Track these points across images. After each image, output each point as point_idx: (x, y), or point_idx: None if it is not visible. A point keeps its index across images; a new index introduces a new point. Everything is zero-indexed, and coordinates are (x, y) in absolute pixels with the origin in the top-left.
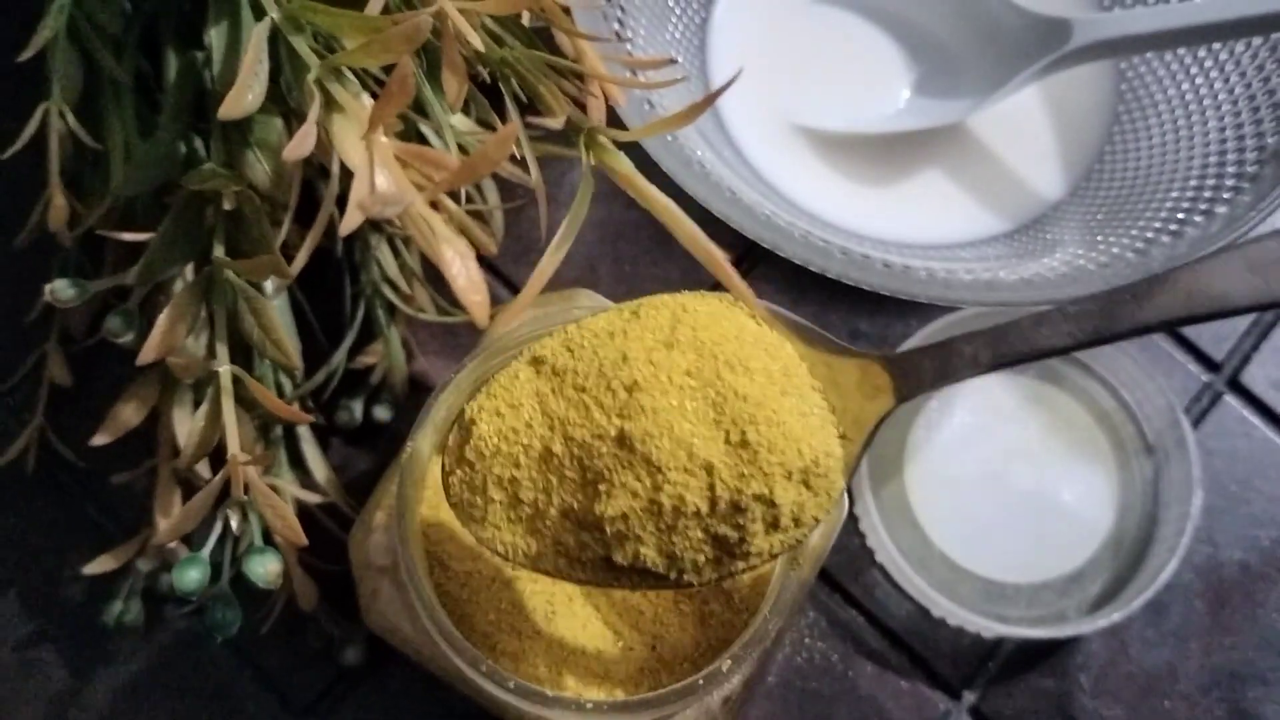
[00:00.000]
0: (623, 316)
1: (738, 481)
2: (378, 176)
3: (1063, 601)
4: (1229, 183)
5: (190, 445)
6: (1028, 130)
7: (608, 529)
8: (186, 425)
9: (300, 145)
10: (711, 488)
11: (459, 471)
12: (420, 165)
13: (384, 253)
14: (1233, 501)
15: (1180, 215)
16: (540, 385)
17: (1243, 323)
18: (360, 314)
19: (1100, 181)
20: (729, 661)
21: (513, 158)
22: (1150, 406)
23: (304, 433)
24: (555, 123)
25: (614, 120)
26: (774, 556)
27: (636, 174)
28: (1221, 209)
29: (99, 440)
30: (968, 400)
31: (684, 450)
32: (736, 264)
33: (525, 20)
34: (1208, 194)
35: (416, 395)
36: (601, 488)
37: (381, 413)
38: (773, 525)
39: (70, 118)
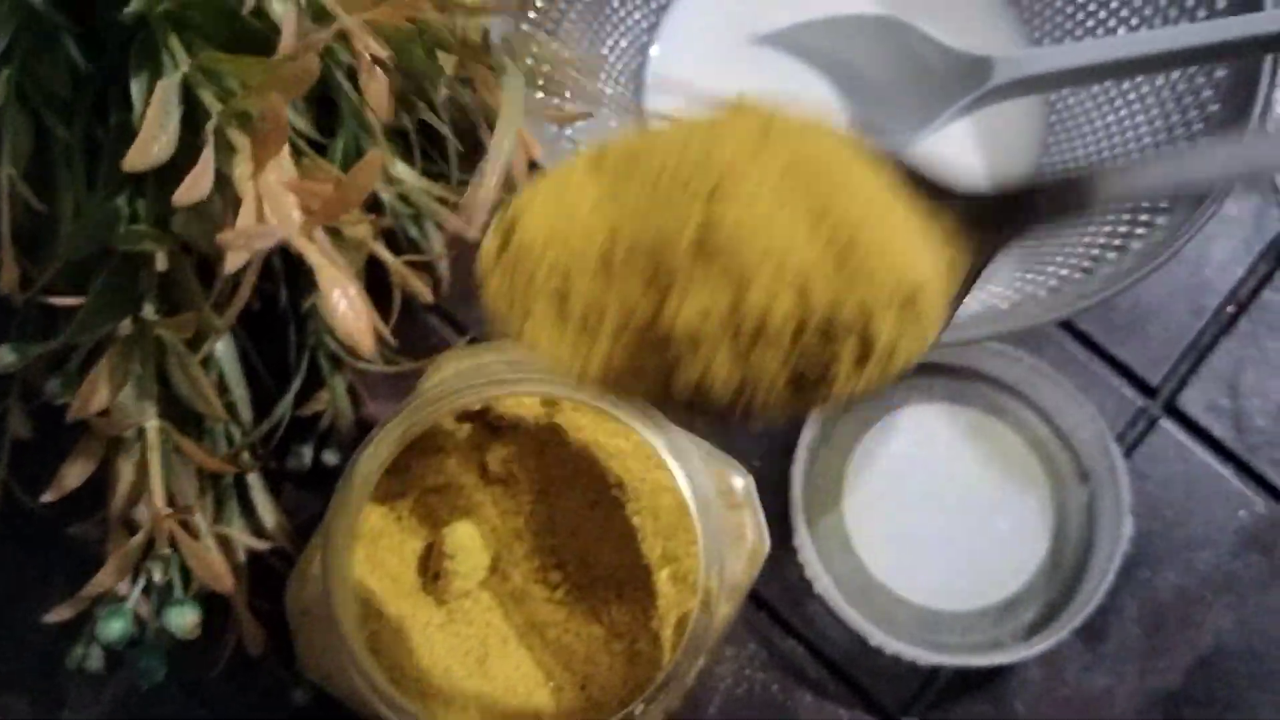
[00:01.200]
0: (700, 122)
1: (833, 298)
2: (265, 211)
3: (999, 629)
4: (1143, 217)
5: (119, 500)
6: (959, 165)
7: (672, 348)
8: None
9: (191, 189)
10: (802, 304)
11: (499, 268)
12: (308, 198)
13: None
14: (1169, 525)
15: (1095, 251)
16: (600, 185)
17: (1179, 346)
18: (305, 363)
19: None
20: (641, 705)
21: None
22: (1083, 434)
23: (253, 479)
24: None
25: None
26: (853, 396)
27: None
28: (1136, 244)
29: (47, 498)
30: (905, 430)
31: (774, 259)
32: None
33: (450, 70)
34: (1123, 228)
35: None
36: (671, 300)
37: (330, 457)
38: (862, 357)
39: (19, 182)
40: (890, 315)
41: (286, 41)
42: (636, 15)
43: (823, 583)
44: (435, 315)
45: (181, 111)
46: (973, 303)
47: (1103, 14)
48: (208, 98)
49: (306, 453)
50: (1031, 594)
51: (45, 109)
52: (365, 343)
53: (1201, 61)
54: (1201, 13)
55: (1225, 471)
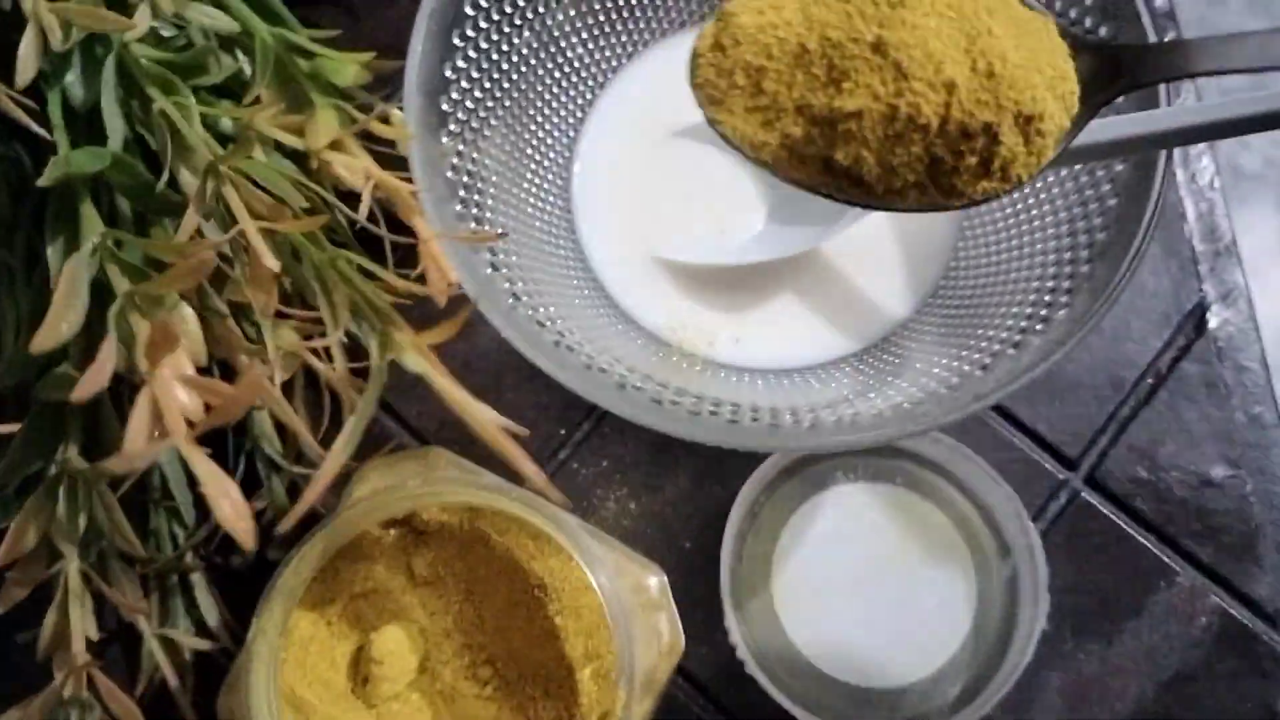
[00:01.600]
0: None
1: (972, 106)
2: (163, 409)
3: (925, 704)
4: (1065, 284)
5: (45, 639)
6: (876, 251)
7: (839, 126)
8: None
9: (91, 383)
10: (947, 105)
11: (709, 55)
12: (204, 393)
13: (262, 414)
14: (1091, 597)
15: (1023, 324)
16: None
17: (1099, 419)
18: (243, 465)
19: (946, 297)
20: None
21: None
22: (1002, 512)
23: (197, 579)
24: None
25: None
26: (971, 203)
27: (431, 370)
28: (1061, 313)
29: None
30: (831, 510)
31: (933, 65)
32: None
33: (367, 198)
34: (1047, 298)
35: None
36: (845, 85)
37: (274, 553)
38: (984, 166)
39: None
40: (1014, 131)
41: (186, 231)
42: (560, 115)
43: (752, 665)
44: (382, 411)
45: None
46: (908, 386)
47: None
48: (114, 275)
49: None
50: (956, 669)
51: None
52: (246, 542)
53: (1099, 158)
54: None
55: (1146, 542)
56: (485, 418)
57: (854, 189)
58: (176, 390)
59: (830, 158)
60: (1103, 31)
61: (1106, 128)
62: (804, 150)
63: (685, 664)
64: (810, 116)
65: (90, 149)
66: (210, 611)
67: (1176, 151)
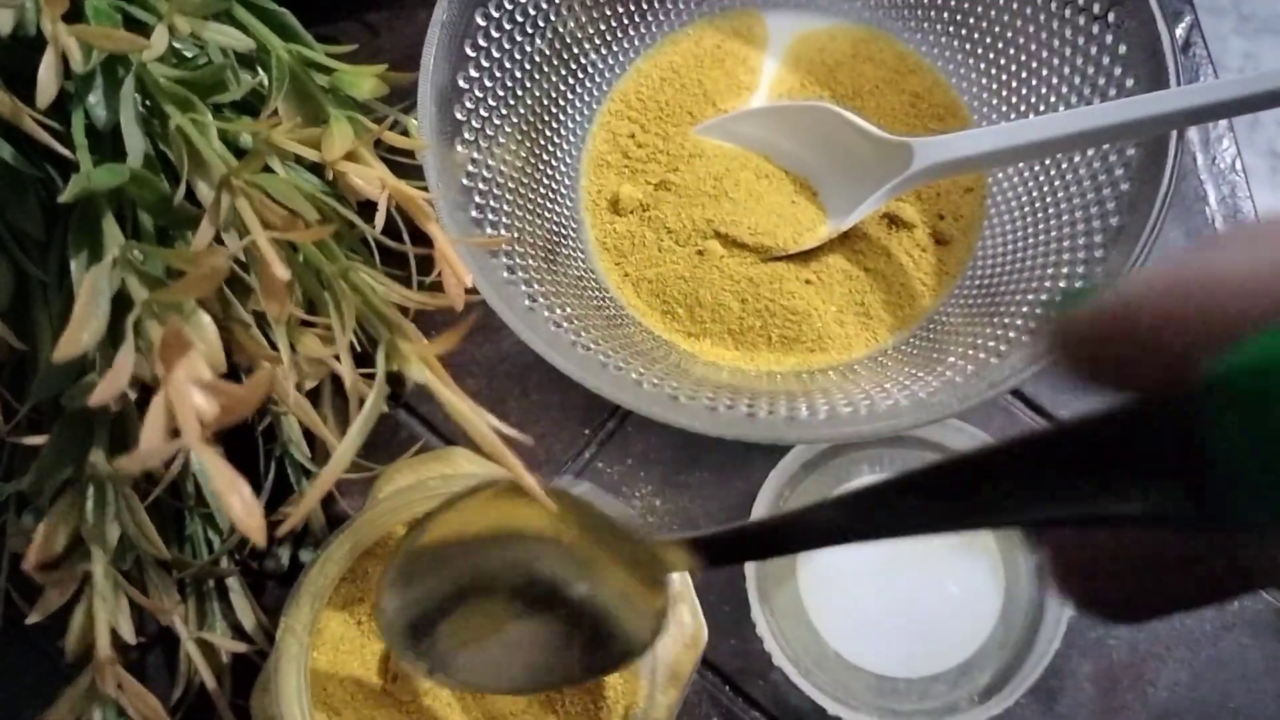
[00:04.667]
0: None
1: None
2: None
3: (954, 693)
4: (1080, 269)
5: (72, 639)
6: (907, 243)
7: None
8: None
9: (108, 388)
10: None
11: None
12: (218, 395)
13: (290, 420)
14: None
15: (1038, 310)
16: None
17: None
18: (273, 471)
19: (965, 286)
20: None
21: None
22: None
23: (233, 583)
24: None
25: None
26: None
27: (436, 382)
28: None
29: (32, 619)
30: None
31: None
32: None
33: (383, 206)
34: (1062, 284)
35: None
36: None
37: (306, 555)
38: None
39: None
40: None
41: (200, 242)
42: (571, 117)
43: (779, 656)
44: (403, 410)
45: (116, 289)
46: (931, 379)
47: (1033, 97)
48: (134, 285)
49: (284, 554)
50: (985, 657)
51: (20, 251)
52: (259, 539)
53: (1112, 140)
54: (1112, 93)
55: None
56: (485, 430)
57: None
58: (191, 392)
59: None
60: (1110, 17)
61: (1113, 110)
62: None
63: (713, 657)
64: None
65: (110, 166)
66: (246, 615)
67: (1197, 135)
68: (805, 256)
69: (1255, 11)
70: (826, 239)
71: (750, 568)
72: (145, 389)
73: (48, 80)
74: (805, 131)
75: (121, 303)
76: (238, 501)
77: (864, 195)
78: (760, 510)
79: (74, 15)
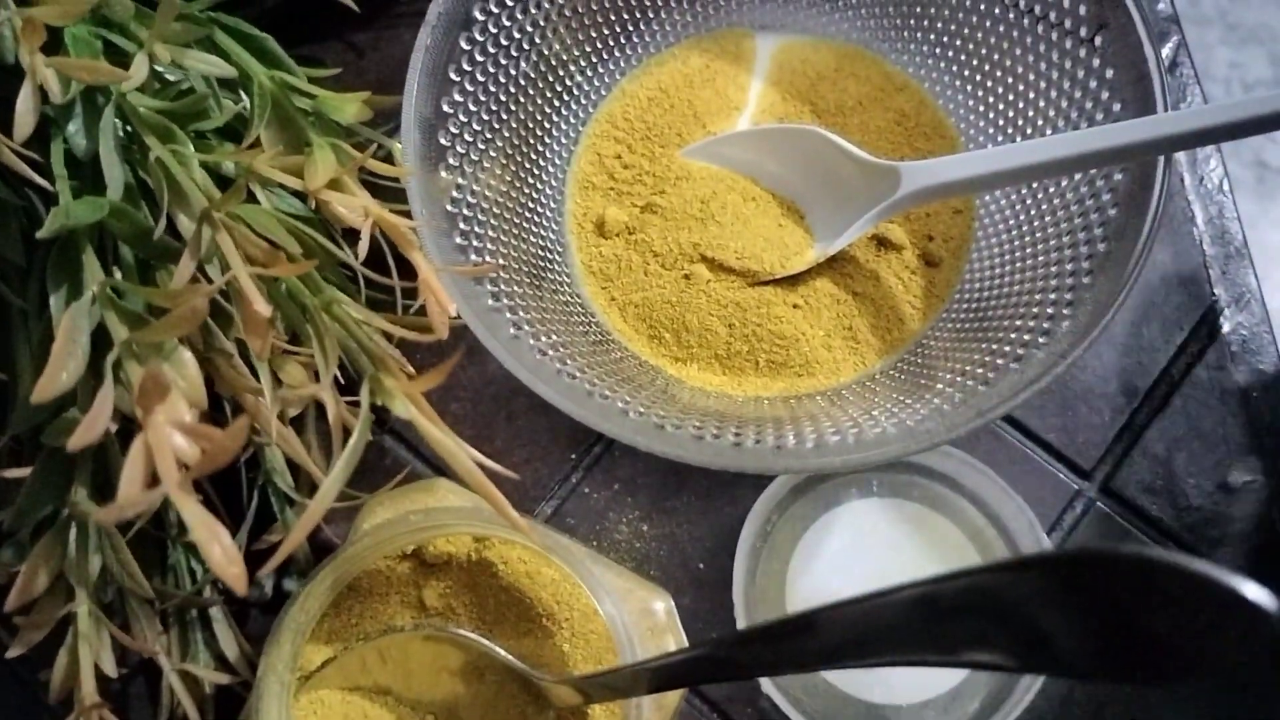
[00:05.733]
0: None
1: None
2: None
3: None
4: (1067, 296)
5: (56, 681)
6: (895, 265)
7: None
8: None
9: (87, 433)
10: None
11: None
12: (198, 438)
13: (273, 450)
14: None
15: (1025, 338)
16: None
17: (1113, 428)
18: (255, 500)
19: (950, 314)
20: None
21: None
22: (1015, 524)
23: (216, 613)
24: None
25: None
26: None
27: (421, 418)
28: (1064, 325)
29: (12, 653)
30: (845, 526)
31: None
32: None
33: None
34: (1049, 310)
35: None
36: None
37: (290, 584)
38: None
39: None
40: None
41: (181, 278)
42: (556, 140)
43: (768, 684)
44: (389, 436)
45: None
46: (919, 407)
47: (1020, 119)
48: (113, 322)
49: (268, 583)
50: (976, 683)
51: (1, 278)
52: (239, 587)
53: (1100, 165)
54: (1099, 115)
55: None
56: (470, 465)
57: None
58: (172, 437)
59: None
60: (1097, 40)
61: (1099, 136)
62: None
63: (701, 685)
64: None
65: (89, 199)
66: (230, 645)
67: (1184, 155)
68: (793, 280)
69: (1241, 21)
70: (814, 263)
71: (738, 592)
72: (127, 420)
73: (25, 112)
74: (793, 154)
75: (102, 336)
76: (218, 550)
77: (852, 219)
78: (749, 535)
79: (53, 42)
